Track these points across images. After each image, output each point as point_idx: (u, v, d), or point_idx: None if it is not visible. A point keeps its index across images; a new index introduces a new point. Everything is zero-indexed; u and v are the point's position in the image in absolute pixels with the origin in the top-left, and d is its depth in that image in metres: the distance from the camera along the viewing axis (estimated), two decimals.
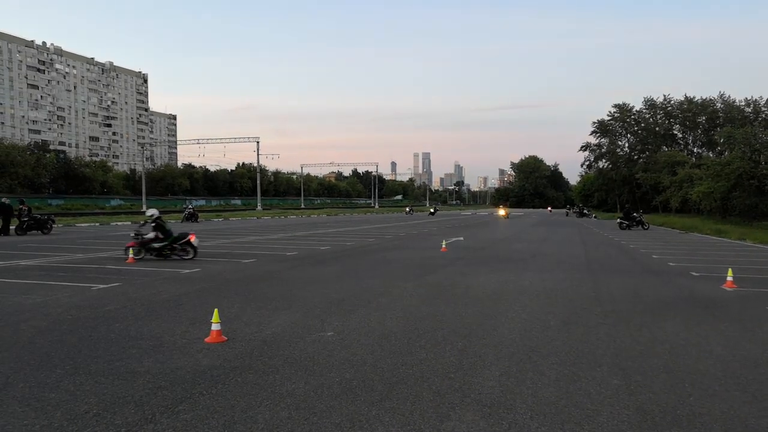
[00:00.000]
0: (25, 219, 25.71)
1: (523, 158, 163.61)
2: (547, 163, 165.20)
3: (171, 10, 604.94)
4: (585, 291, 10.34)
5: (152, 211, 15.36)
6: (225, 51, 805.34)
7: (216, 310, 6.41)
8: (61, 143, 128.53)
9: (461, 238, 24.66)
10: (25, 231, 25.48)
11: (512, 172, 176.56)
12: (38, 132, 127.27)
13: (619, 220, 36.94)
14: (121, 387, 4.69)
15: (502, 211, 65.41)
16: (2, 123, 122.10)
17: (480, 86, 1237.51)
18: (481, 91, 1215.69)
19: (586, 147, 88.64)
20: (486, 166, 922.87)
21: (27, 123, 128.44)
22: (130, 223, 38.88)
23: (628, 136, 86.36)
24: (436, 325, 7.14)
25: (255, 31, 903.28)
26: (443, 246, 18.71)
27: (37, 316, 7.48)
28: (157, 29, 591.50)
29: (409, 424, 3.95)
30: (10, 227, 25.54)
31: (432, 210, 71.06)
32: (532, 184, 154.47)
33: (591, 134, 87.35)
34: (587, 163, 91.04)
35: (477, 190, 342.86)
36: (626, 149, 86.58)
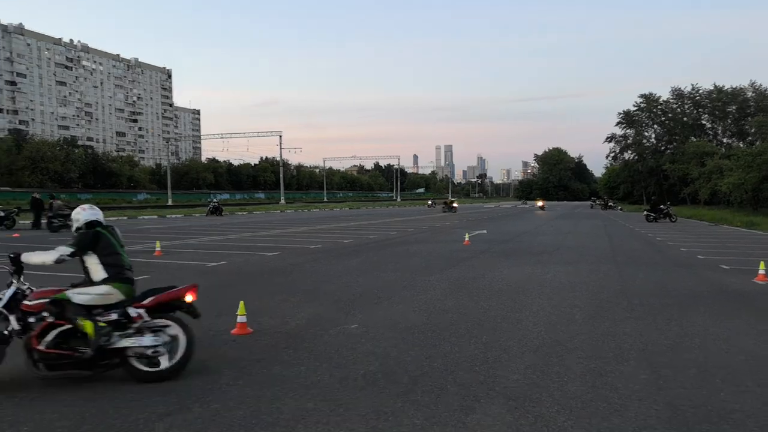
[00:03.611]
0: (53, 214, 26.26)
1: (547, 150, 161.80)
2: (572, 155, 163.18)
3: (193, 6, 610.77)
4: (611, 284, 10.20)
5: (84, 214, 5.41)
6: (248, 46, 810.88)
7: (242, 302, 6.49)
8: (89, 139, 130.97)
9: (484, 231, 24.53)
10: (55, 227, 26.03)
11: (536, 164, 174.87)
12: (67, 128, 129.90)
13: (645, 213, 36.32)
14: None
15: (540, 203, 65.89)
16: (33, 119, 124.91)
17: (503, 78, 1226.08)
18: (505, 83, 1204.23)
19: (611, 138, 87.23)
20: (509, 158, 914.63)
21: (56, 119, 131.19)
22: (156, 217, 39.53)
23: (655, 126, 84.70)
24: (459, 318, 7.13)
25: (277, 25, 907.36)
26: (466, 239, 18.63)
27: None
28: (180, 25, 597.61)
29: (434, 416, 3.96)
30: (42, 221, 26.18)
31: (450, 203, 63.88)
32: (556, 176, 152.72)
33: (616, 125, 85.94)
34: (612, 154, 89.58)
35: (500, 182, 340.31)
36: (653, 140, 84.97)
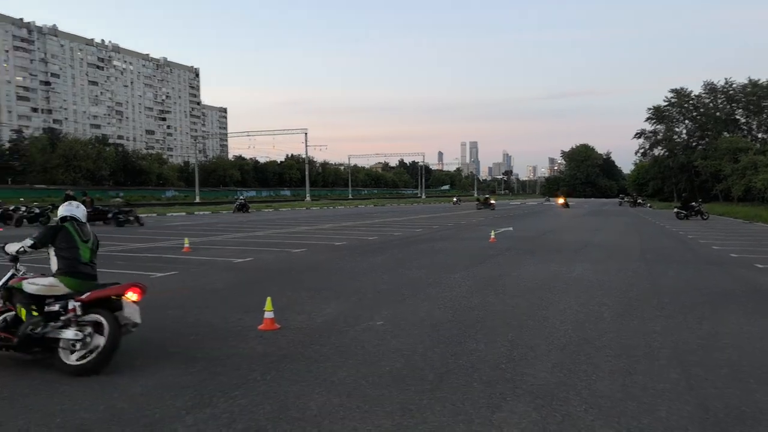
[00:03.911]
0: (89, 210, 26.92)
1: (574, 147, 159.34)
2: (599, 152, 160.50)
3: (221, 6, 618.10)
4: (640, 282, 10.03)
5: None
6: (273, 44, 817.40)
7: (269, 298, 6.55)
8: (120, 137, 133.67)
9: (510, 229, 24.32)
10: (89, 222, 26.68)
11: (562, 160, 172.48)
12: (98, 126, 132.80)
13: (676, 210, 35.55)
14: (180, 371, 4.87)
15: (561, 200, 64.29)
16: (66, 118, 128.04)
17: (529, 75, 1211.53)
18: (531, 79, 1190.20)
19: (640, 134, 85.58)
20: (535, 155, 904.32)
21: (88, 118, 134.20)
22: (184, 213, 40.17)
23: (686, 122, 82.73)
24: (485, 316, 7.09)
25: (303, 23, 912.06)
26: (492, 236, 18.50)
27: None
28: (206, 23, 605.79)
29: (460, 413, 3.94)
30: None
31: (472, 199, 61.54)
32: (584, 172, 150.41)
33: (646, 121, 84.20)
34: (642, 150, 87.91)
35: (526, 179, 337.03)
36: (684, 136, 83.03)
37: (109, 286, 5.16)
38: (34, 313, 4.96)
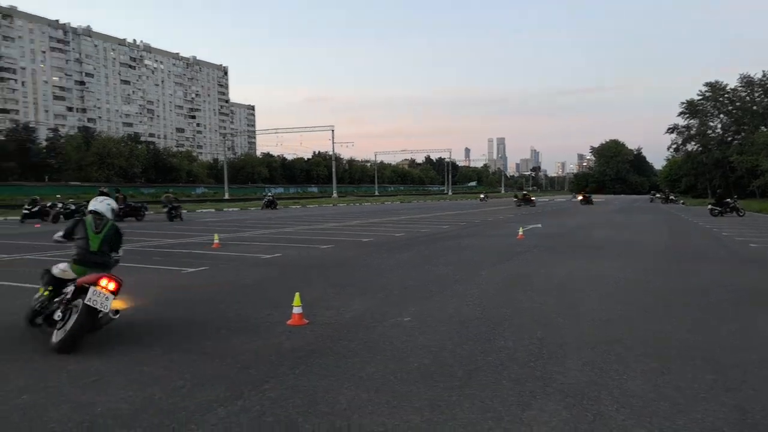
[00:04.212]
0: (121, 207, 27.58)
1: (604, 142, 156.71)
2: (630, 147, 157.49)
3: (249, 4, 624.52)
4: (672, 280, 9.83)
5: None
6: (300, 42, 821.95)
7: (297, 294, 6.62)
8: (151, 135, 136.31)
9: (539, 225, 24.05)
10: (122, 218, 27.30)
11: (592, 156, 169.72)
12: (130, 125, 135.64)
13: (710, 206, 34.70)
14: (212, 365, 4.96)
15: (580, 197, 63.27)
16: (99, 117, 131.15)
17: (557, 69, 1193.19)
18: (560, 74, 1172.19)
19: (673, 129, 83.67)
20: (564, 151, 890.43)
21: (121, 116, 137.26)
22: (214, 210, 40.77)
23: (721, 116, 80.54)
24: (513, 313, 7.04)
25: (328, 21, 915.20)
26: (520, 233, 18.33)
27: (135, 297, 8.01)
28: (234, 22, 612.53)
29: (489, 410, 3.93)
30: None
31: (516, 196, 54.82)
32: (614, 168, 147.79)
33: (679, 115, 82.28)
34: (674, 146, 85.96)
35: (554, 175, 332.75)
36: (718, 130, 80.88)
37: (99, 276, 5.45)
38: (45, 293, 5.67)
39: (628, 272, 10.68)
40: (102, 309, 5.35)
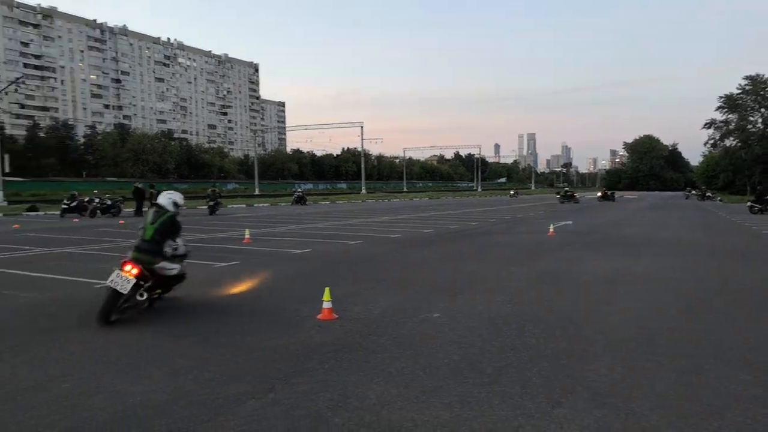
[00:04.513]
0: (154, 202, 28.21)
1: (638, 138, 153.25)
2: (664, 143, 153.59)
3: (280, 1, 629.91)
4: (708, 279, 9.58)
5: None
6: (329, 39, 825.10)
7: (327, 288, 6.67)
8: (184, 131, 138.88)
9: (569, 222, 23.70)
10: None
11: (625, 152, 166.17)
12: (164, 121, 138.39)
13: (749, 204, 33.66)
14: (243, 358, 5.04)
15: (599, 193, 62.04)
16: (135, 114, 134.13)
17: (590, 63, 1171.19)
18: (591, 68, 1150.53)
19: (710, 124, 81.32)
20: (596, 146, 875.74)
21: (155, 113, 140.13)
22: (244, 205, 41.32)
23: (762, 110, 77.89)
24: (544, 310, 6.96)
25: (357, 17, 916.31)
26: (550, 230, 18.10)
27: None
28: (265, 19, 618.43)
29: (519, 407, 3.91)
30: (143, 209, 28.15)
31: (562, 193, 53.61)
32: (647, 165, 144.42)
33: (717, 110, 79.80)
34: (712, 141, 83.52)
35: (586, 172, 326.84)
36: (759, 125, 78.23)
37: (127, 261, 6.33)
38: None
39: (662, 270, 10.45)
40: (122, 291, 6.05)
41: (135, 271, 6.16)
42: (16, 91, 70.61)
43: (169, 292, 7.07)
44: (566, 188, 58.09)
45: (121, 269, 6.14)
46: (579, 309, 7.08)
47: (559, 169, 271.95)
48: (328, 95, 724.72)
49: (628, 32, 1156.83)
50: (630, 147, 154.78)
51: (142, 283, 6.27)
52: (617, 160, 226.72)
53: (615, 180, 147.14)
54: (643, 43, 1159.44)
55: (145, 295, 6.36)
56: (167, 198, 6.99)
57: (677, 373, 4.66)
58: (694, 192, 71.23)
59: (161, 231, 6.64)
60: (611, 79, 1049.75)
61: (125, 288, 6.05)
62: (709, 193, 65.30)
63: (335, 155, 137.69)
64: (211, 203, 29.85)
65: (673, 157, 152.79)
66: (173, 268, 6.78)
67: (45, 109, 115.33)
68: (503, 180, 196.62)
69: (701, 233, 19.32)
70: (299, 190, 46.54)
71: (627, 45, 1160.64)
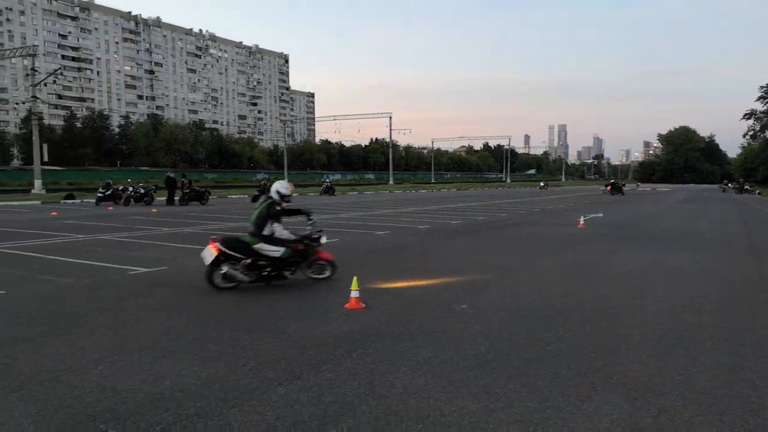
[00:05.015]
0: (187, 191, 28.68)
1: (673, 129, 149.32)
2: (701, 134, 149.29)
3: None
4: (747, 273, 9.31)
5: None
6: (358, 30, 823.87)
7: (355, 278, 6.70)
8: (215, 122, 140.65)
9: (600, 215, 23.28)
10: (187, 202, 28.42)
11: (659, 144, 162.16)
12: (196, 112, 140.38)
13: None
14: (272, 345, 5.11)
15: (608, 186, 59.43)
16: (167, 105, 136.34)
17: (621, 53, 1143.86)
18: (624, 58, 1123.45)
19: (750, 115, 78.88)
20: (629, 138, 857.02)
21: (187, 104, 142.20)
22: None
23: None
24: (574, 303, 6.87)
25: (388, 7, 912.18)
26: (581, 222, 17.82)
27: (200, 278, 8.32)
28: (295, 10, 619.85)
29: (547, 400, 3.87)
30: (175, 198, 28.67)
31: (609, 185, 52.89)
32: (683, 157, 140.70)
33: (757, 100, 77.33)
34: (751, 132, 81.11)
35: (618, 164, 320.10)
36: None
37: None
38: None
39: (697, 263, 10.20)
40: (205, 262, 7.27)
41: (213, 249, 7.24)
42: (54, 82, 72.52)
43: (288, 273, 7.78)
44: (613, 180, 57.10)
45: (210, 245, 7.28)
46: (610, 302, 6.96)
47: (590, 161, 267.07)
48: (357, 86, 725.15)
49: (667, 21, 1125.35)
50: (665, 138, 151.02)
51: (222, 258, 7.24)
52: (651, 152, 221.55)
53: (648, 172, 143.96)
54: (682, 32, 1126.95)
55: (247, 275, 7.39)
56: (273, 186, 7.89)
57: (713, 369, 4.54)
58: (731, 185, 69.29)
59: (260, 216, 7.52)
60: (646, 70, 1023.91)
61: (207, 260, 7.23)
62: (747, 186, 63.46)
63: (363, 146, 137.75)
64: (256, 194, 31.08)
65: (709, 149, 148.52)
66: (274, 250, 7.48)
67: (81, 99, 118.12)
68: (533, 171, 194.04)
69: (739, 227, 18.77)
70: (327, 180, 46.78)
71: (664, 35, 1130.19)
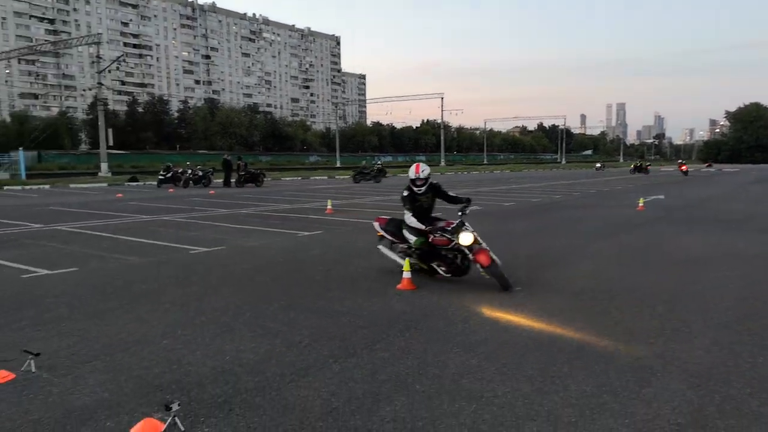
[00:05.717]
0: (243, 173, 29.43)
1: (742, 106, 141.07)
2: None
3: None
4: None
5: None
6: (411, 8, 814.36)
7: (407, 259, 6.73)
8: (268, 105, 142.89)
9: (661, 197, 22.40)
10: (243, 184, 29.17)
11: (726, 122, 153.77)
12: (250, 96, 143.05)
13: None
14: (327, 323, 5.22)
15: (631, 166, 57.13)
16: (223, 89, 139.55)
17: (686, 27, 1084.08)
18: (688, 32, 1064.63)
19: None
20: (693, 116, 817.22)
21: (241, 88, 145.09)
22: (326, 177, 42.22)
23: None
24: (632, 287, 6.68)
25: None
26: (640, 204, 17.21)
27: (257, 257, 8.59)
28: None
29: (604, 385, 3.80)
30: (231, 180, 29.48)
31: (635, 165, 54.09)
32: (753, 135, 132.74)
33: None
34: None
35: (681, 143, 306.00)
36: None
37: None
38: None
39: (765, 247, 9.69)
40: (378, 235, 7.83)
41: (378, 225, 7.81)
42: (117, 68, 75.32)
43: (441, 268, 7.02)
44: (639, 161, 56.98)
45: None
46: (670, 287, 6.72)
47: (651, 141, 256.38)
48: (409, 67, 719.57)
49: None
50: (733, 116, 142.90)
51: (383, 235, 7.65)
52: (717, 130, 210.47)
53: (714, 152, 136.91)
54: (750, 3, 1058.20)
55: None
56: (411, 171, 8.00)
57: None
58: None
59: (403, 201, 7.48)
60: (712, 45, 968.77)
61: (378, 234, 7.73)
62: None
63: (414, 128, 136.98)
64: (365, 171, 35.85)
65: None
66: (409, 237, 7.21)
67: (143, 85, 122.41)
68: (589, 152, 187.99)
69: None
70: (379, 162, 46.85)
71: (731, 5, 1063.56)
